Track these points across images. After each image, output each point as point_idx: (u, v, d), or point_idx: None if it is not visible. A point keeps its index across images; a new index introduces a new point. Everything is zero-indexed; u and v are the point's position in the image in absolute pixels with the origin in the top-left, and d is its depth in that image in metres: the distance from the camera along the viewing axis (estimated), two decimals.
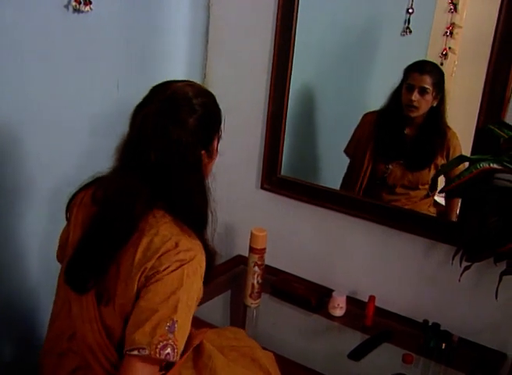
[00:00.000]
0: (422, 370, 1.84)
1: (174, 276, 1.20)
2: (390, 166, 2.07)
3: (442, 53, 1.94)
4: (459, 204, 1.89)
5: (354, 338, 1.91)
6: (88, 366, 1.27)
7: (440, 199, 2.03)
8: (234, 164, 2.32)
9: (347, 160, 2.19)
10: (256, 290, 1.98)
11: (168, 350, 1.17)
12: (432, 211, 2.05)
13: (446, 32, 1.92)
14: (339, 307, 1.98)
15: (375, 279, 2.06)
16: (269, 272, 2.16)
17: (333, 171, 2.30)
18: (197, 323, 1.82)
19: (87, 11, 1.77)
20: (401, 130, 2.05)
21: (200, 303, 2.06)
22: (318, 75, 2.27)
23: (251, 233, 1.95)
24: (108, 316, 1.26)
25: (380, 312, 1.99)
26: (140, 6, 1.99)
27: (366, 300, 1.97)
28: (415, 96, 1.95)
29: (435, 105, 1.96)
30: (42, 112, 1.76)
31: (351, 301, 2.04)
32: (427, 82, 1.94)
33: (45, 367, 1.38)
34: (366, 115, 2.12)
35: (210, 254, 1.33)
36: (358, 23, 2.17)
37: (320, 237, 2.17)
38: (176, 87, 1.29)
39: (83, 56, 1.84)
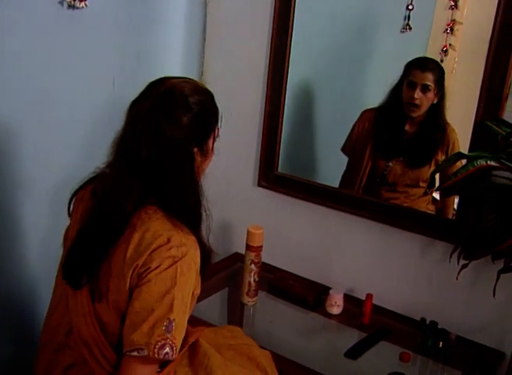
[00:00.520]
0: (420, 369, 1.83)
1: (167, 275, 1.19)
2: (390, 164, 2.05)
3: (442, 50, 1.93)
4: (455, 201, 1.88)
5: (352, 336, 1.91)
6: (84, 362, 1.27)
7: (439, 196, 2.03)
8: (231, 161, 2.31)
9: (345, 157, 2.17)
10: (253, 288, 1.98)
11: (167, 349, 1.17)
12: (431, 208, 2.04)
13: (447, 29, 1.91)
14: (336, 305, 1.97)
15: (373, 277, 2.05)
16: (266, 269, 2.16)
17: (332, 168, 2.29)
18: (194, 320, 1.82)
19: (82, 7, 1.75)
20: (401, 127, 2.04)
21: (197, 301, 2.09)
22: (316, 72, 2.26)
23: (248, 231, 1.94)
24: (103, 312, 1.26)
25: (378, 310, 1.98)
26: (137, 3, 1.98)
27: (363, 298, 1.96)
28: (417, 94, 1.93)
29: (435, 102, 1.94)
30: (37, 109, 1.75)
31: (349, 299, 2.03)
32: (429, 79, 1.92)
33: (40, 361, 1.38)
34: (364, 112, 2.10)
35: (205, 252, 1.32)
36: (357, 20, 2.17)
37: (317, 234, 2.16)
38: (173, 83, 1.28)
39: (78, 53, 1.82)
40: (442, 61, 1.95)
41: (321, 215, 2.13)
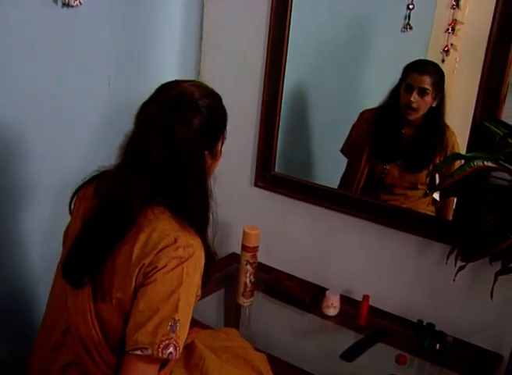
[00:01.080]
0: (416, 371, 1.81)
1: (174, 275, 1.20)
2: (387, 167, 2.04)
3: (443, 50, 1.91)
4: (454, 202, 1.86)
5: (348, 338, 1.89)
6: (81, 362, 1.27)
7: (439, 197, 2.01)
8: (228, 161, 2.28)
9: (344, 158, 2.16)
10: (248, 288, 1.96)
11: (171, 349, 1.17)
12: (431, 209, 2.03)
13: (448, 28, 1.89)
14: (332, 306, 1.96)
15: (370, 278, 2.03)
16: (263, 270, 2.14)
17: (330, 169, 2.28)
18: (191, 321, 1.81)
19: (77, 5, 1.74)
20: (399, 131, 2.02)
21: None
22: (315, 72, 2.24)
23: (243, 232, 1.93)
24: (105, 311, 1.25)
25: (374, 311, 1.97)
26: (132, 1, 1.96)
27: (360, 299, 1.94)
28: (414, 97, 1.91)
29: (434, 105, 1.92)
30: (29, 108, 1.74)
31: (345, 300, 2.02)
32: (427, 82, 1.90)
33: (36, 359, 1.37)
34: (364, 112, 2.08)
35: (210, 255, 1.32)
36: (357, 20, 2.15)
37: (314, 235, 2.15)
38: (183, 86, 1.29)
39: (73, 52, 1.81)
40: (443, 61, 1.92)
41: (318, 215, 2.11)
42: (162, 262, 1.19)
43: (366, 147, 2.08)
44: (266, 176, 2.19)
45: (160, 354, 1.16)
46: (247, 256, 1.93)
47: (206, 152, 1.30)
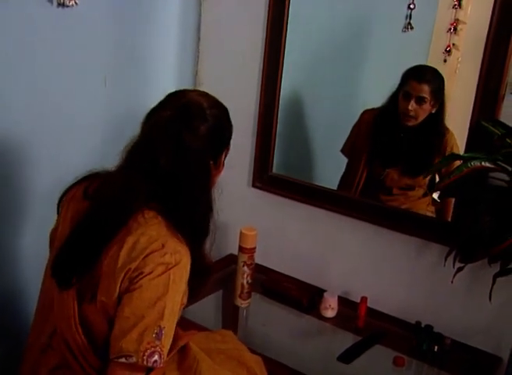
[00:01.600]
0: (414, 373, 1.80)
1: (160, 282, 1.19)
2: (387, 170, 2.03)
3: (445, 50, 1.90)
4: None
5: (346, 340, 1.88)
6: (68, 366, 1.26)
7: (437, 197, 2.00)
8: (227, 162, 2.29)
9: (343, 159, 2.15)
10: (246, 290, 1.95)
11: (156, 357, 1.16)
12: (431, 209, 2.01)
13: (450, 28, 1.88)
14: (330, 308, 1.94)
15: (368, 279, 2.02)
16: (261, 271, 2.14)
17: (330, 170, 2.27)
18: (187, 323, 1.80)
19: (72, 5, 1.73)
20: (397, 136, 2.01)
21: (192, 302, 2.06)
22: (314, 72, 2.23)
23: (241, 233, 1.92)
24: (91, 314, 1.24)
25: (373, 313, 1.96)
26: (129, 1, 1.95)
27: (358, 300, 1.93)
28: (412, 105, 1.89)
29: (433, 111, 1.90)
30: (25, 111, 1.73)
31: (343, 301, 2.01)
32: (425, 91, 1.88)
33: (27, 361, 1.37)
34: (364, 112, 2.07)
35: (203, 267, 1.33)
36: (356, 19, 2.14)
37: (312, 236, 2.14)
38: (192, 96, 1.33)
39: (68, 52, 1.80)
40: (445, 61, 1.91)
41: (316, 216, 2.10)
42: (148, 267, 1.18)
43: (365, 149, 2.07)
44: (264, 177, 2.18)
45: (145, 362, 1.15)
46: (244, 257, 1.92)
47: (211, 162, 1.32)
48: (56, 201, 1.41)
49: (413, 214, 1.95)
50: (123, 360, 1.15)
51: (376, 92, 2.08)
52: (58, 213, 1.41)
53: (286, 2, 2.00)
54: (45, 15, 1.70)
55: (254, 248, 1.93)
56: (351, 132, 2.10)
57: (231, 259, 2.24)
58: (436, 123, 1.92)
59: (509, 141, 1.56)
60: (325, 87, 2.24)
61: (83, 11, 1.78)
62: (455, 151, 1.86)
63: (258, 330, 1.94)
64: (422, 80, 1.89)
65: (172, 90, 2.21)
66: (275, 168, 2.19)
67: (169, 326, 1.20)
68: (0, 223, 1.76)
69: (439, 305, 1.88)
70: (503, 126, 1.59)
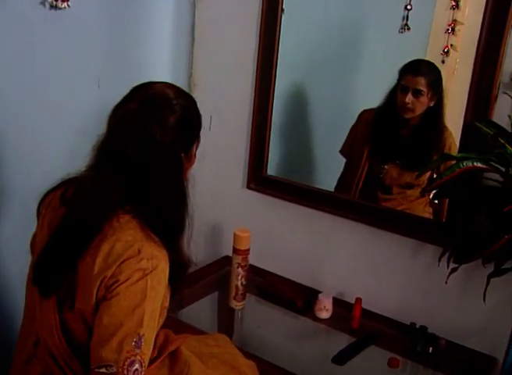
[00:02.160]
0: None
1: (137, 288, 1.16)
2: (386, 166, 2.03)
3: (443, 50, 1.90)
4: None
5: (341, 341, 1.87)
6: (51, 373, 1.24)
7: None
8: (221, 163, 2.29)
9: (341, 160, 2.14)
10: (240, 291, 1.95)
11: (137, 366, 1.13)
12: (428, 210, 2.01)
13: (448, 29, 1.88)
14: (325, 309, 1.94)
15: (363, 280, 2.02)
16: (256, 273, 2.14)
17: (328, 171, 2.27)
18: (182, 325, 1.81)
19: (65, 7, 1.73)
20: (397, 131, 2.01)
21: (186, 304, 2.07)
22: (310, 73, 2.23)
23: (234, 234, 1.92)
24: (71, 322, 1.22)
25: (368, 314, 1.95)
26: (122, 3, 1.95)
27: (353, 302, 1.92)
28: (409, 98, 1.90)
29: (431, 105, 1.91)
30: (18, 111, 1.73)
31: (338, 302, 2.01)
32: (421, 84, 1.89)
33: (14, 371, 1.35)
34: (363, 113, 2.08)
35: (183, 263, 1.30)
36: (353, 20, 2.14)
37: (307, 237, 2.13)
38: (157, 87, 1.28)
39: (61, 54, 1.80)
40: (443, 62, 1.91)
41: (310, 217, 2.10)
42: (125, 274, 1.15)
43: (365, 147, 2.07)
44: (258, 179, 2.18)
45: (125, 371, 1.12)
46: (239, 259, 1.92)
47: (182, 154, 1.29)
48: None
49: (408, 215, 1.94)
50: (104, 370, 1.12)
51: (374, 93, 2.07)
52: (37, 219, 1.38)
53: (280, 4, 1.99)
54: (38, 17, 1.70)
55: (248, 250, 1.93)
56: (350, 132, 2.10)
57: (226, 261, 2.24)
58: (435, 117, 1.92)
59: (502, 140, 1.55)
60: (321, 89, 2.24)
61: (75, 13, 1.77)
62: (453, 149, 1.86)
63: (253, 331, 1.94)
64: (418, 73, 1.90)
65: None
66: (273, 170, 2.18)
67: (149, 332, 1.17)
68: None
69: (433, 306, 1.88)
70: (496, 126, 1.58)
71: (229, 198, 2.29)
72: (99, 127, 1.96)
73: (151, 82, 1.31)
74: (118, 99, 2.01)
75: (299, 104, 2.24)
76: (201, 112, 2.29)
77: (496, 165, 1.55)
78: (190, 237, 1.34)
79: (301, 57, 2.20)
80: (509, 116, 1.59)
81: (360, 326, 1.91)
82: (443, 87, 1.91)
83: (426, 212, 2.00)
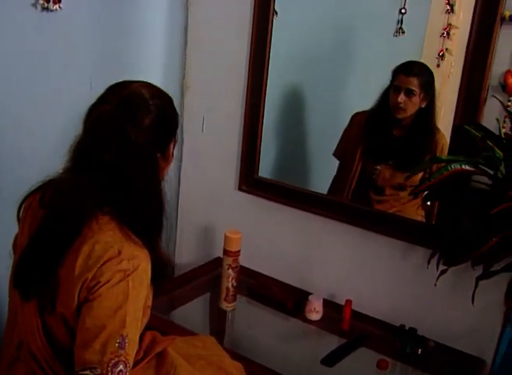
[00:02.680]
0: None
1: (119, 290, 1.16)
2: (379, 167, 2.03)
3: (438, 54, 1.91)
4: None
5: (331, 343, 1.88)
6: None
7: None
8: (214, 165, 2.30)
9: (334, 162, 2.15)
10: (231, 293, 1.95)
11: (121, 367, 1.14)
12: (421, 213, 2.01)
13: (443, 33, 1.89)
14: (315, 311, 1.94)
15: (353, 282, 2.02)
16: (247, 274, 2.15)
17: (321, 174, 2.27)
18: (172, 327, 1.81)
19: (56, 9, 1.74)
20: (389, 131, 2.02)
21: (177, 306, 2.07)
22: (303, 75, 2.23)
23: (225, 236, 1.92)
24: (53, 325, 1.22)
25: (358, 315, 1.96)
26: (114, 5, 1.96)
27: (344, 303, 1.93)
28: (401, 98, 1.92)
29: (423, 106, 1.93)
30: (9, 112, 1.73)
31: (329, 304, 2.01)
32: (413, 84, 1.91)
33: None
34: (355, 115, 2.09)
35: (163, 262, 1.29)
36: (348, 22, 2.14)
37: (298, 239, 2.14)
38: (133, 87, 1.27)
39: (53, 56, 1.80)
40: (438, 66, 1.92)
41: (301, 219, 2.10)
42: (106, 276, 1.15)
43: (358, 148, 2.08)
44: (250, 181, 2.19)
45: (110, 373, 1.12)
46: (229, 260, 1.92)
47: (158, 155, 1.28)
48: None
49: (399, 217, 1.94)
50: (88, 372, 1.12)
51: (367, 96, 2.07)
52: (18, 221, 1.37)
53: (271, 7, 2.00)
54: (29, 19, 1.71)
55: (239, 251, 1.93)
56: (342, 135, 2.11)
57: (218, 262, 2.24)
58: (427, 118, 1.94)
59: (490, 143, 1.56)
60: (314, 92, 2.24)
61: (67, 15, 1.78)
62: (446, 151, 1.86)
63: (243, 333, 1.94)
64: (410, 73, 1.92)
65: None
66: (267, 172, 2.19)
67: (132, 332, 1.17)
68: None
69: (423, 308, 1.89)
70: (484, 129, 1.59)
71: (222, 199, 2.30)
72: None
73: (126, 81, 1.31)
74: None
75: (292, 106, 2.25)
76: (194, 113, 2.33)
77: (484, 168, 1.56)
78: (169, 237, 1.34)
79: (294, 59, 2.20)
80: (497, 119, 1.60)
81: (350, 327, 1.91)
82: (436, 88, 1.92)
83: (418, 215, 2.00)
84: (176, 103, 2.26)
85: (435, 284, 1.68)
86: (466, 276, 1.70)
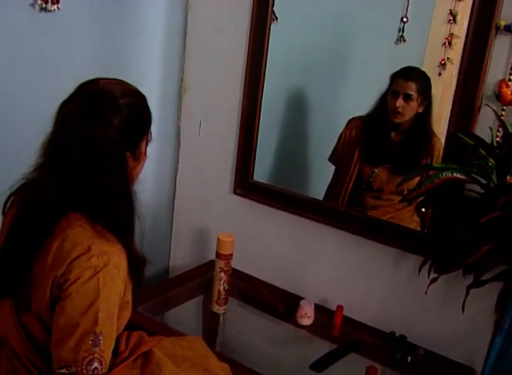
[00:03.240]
0: None
1: (90, 287, 1.15)
2: (376, 170, 2.04)
3: (440, 63, 1.91)
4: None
5: (321, 348, 1.88)
6: (17, 373, 1.24)
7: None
8: (210, 168, 2.30)
9: (331, 167, 2.15)
10: (222, 296, 1.95)
11: (95, 364, 1.14)
12: (416, 220, 2.01)
13: (445, 42, 1.89)
14: (306, 316, 1.94)
15: (345, 288, 2.02)
16: (240, 278, 2.15)
17: (318, 179, 2.28)
18: (162, 328, 1.81)
19: (54, 10, 1.75)
20: (387, 135, 2.03)
21: (169, 308, 2.08)
22: (301, 80, 2.24)
23: (218, 239, 1.93)
24: (29, 323, 1.22)
25: (349, 321, 1.96)
26: (113, 6, 1.96)
27: (335, 309, 1.93)
28: (399, 102, 1.93)
29: (420, 111, 1.94)
30: (6, 113, 1.74)
31: (321, 309, 2.01)
32: (412, 88, 1.92)
33: None
34: (351, 120, 2.10)
35: (138, 260, 1.29)
36: (348, 29, 2.15)
37: (291, 243, 2.14)
38: (103, 84, 1.26)
39: (51, 56, 1.81)
40: (440, 74, 1.92)
41: (295, 224, 2.11)
42: (75, 273, 1.15)
43: (355, 151, 2.08)
44: (245, 184, 2.19)
45: (84, 371, 1.12)
46: (221, 263, 1.92)
47: (128, 153, 1.26)
48: None
49: (392, 224, 1.94)
50: (64, 370, 1.13)
51: (367, 102, 2.08)
52: (3, 220, 1.36)
53: (269, 11, 2.01)
54: (28, 20, 1.71)
55: (231, 255, 1.93)
56: (338, 140, 2.12)
57: (212, 265, 2.23)
58: (424, 123, 1.95)
59: (483, 152, 1.56)
60: (312, 97, 2.24)
61: (65, 16, 1.79)
62: (441, 158, 1.88)
63: (234, 336, 1.94)
64: (409, 78, 1.94)
65: (157, 96, 2.24)
66: (263, 176, 2.19)
67: (107, 329, 1.17)
68: None
69: (414, 316, 1.88)
70: (477, 138, 1.59)
71: (217, 202, 2.30)
72: None
73: (97, 78, 1.29)
74: None
75: (288, 111, 2.25)
76: (191, 116, 2.34)
77: (476, 176, 1.56)
78: (143, 235, 1.33)
79: (292, 65, 2.21)
80: (490, 128, 1.60)
81: (341, 333, 1.91)
82: (432, 94, 1.93)
83: (413, 222, 1.99)
84: (174, 106, 2.32)
85: (426, 292, 1.68)
86: (457, 284, 1.70)
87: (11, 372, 1.26)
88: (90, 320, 1.14)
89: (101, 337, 1.15)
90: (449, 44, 1.89)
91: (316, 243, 2.08)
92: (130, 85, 1.31)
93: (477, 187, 1.60)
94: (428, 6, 1.95)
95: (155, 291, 2.08)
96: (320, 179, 2.22)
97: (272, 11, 2.02)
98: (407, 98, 1.93)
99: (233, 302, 2.05)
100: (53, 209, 1.20)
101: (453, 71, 1.90)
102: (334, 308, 1.95)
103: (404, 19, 1.97)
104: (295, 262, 2.13)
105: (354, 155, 2.08)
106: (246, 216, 2.23)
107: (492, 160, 1.54)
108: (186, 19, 2.25)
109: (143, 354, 1.39)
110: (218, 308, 1.97)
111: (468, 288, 1.59)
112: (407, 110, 1.94)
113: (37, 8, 1.72)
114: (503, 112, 1.63)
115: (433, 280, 1.65)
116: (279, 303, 2.00)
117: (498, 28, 1.61)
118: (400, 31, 1.98)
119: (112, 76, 1.99)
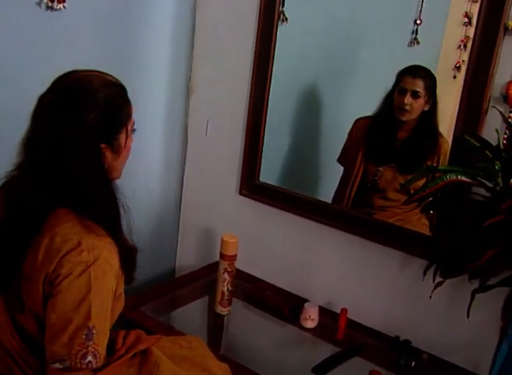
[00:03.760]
0: None
1: (81, 282, 1.15)
2: (381, 169, 2.03)
3: (455, 66, 1.89)
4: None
5: (325, 351, 1.86)
6: (11, 372, 1.24)
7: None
8: (216, 168, 2.30)
9: (339, 168, 2.14)
10: (226, 297, 1.94)
11: (89, 358, 1.14)
12: (425, 222, 1.98)
13: (460, 45, 1.87)
14: (310, 319, 1.92)
15: (350, 291, 2.00)
16: (244, 279, 2.14)
17: (326, 180, 2.26)
18: (164, 327, 1.81)
19: (60, 9, 1.75)
20: (393, 134, 2.03)
21: (174, 308, 2.07)
22: (310, 82, 2.22)
23: (222, 240, 1.92)
24: (23, 322, 1.23)
25: (353, 325, 1.94)
26: (120, 5, 1.97)
27: (339, 312, 1.91)
28: (407, 99, 1.93)
29: (426, 109, 1.94)
30: (10, 113, 1.73)
31: (325, 312, 2.00)
32: (419, 86, 1.92)
33: None
34: (358, 120, 2.09)
35: (128, 251, 1.28)
36: (361, 31, 2.14)
37: (296, 245, 2.13)
38: (80, 76, 1.24)
39: (58, 55, 1.81)
40: (454, 77, 1.91)
41: (300, 226, 2.09)
42: (66, 268, 1.15)
43: (361, 150, 2.08)
44: (250, 185, 2.18)
45: (78, 364, 1.13)
46: (225, 264, 1.92)
47: (104, 145, 1.24)
48: None
49: (398, 227, 1.92)
50: (58, 365, 1.13)
51: (377, 104, 2.06)
52: None
53: (277, 11, 2.00)
54: (34, 18, 1.72)
55: (235, 256, 1.92)
56: (346, 141, 2.11)
57: (217, 266, 2.23)
58: (429, 121, 1.95)
59: (489, 154, 1.54)
60: (320, 98, 2.23)
61: (71, 15, 1.79)
62: (448, 158, 1.86)
63: (237, 337, 1.93)
64: (416, 75, 1.94)
65: (165, 96, 2.24)
66: (270, 177, 2.18)
67: (101, 323, 1.17)
68: None
69: (418, 320, 1.86)
70: (483, 141, 1.57)
71: (223, 202, 2.30)
72: None
73: (76, 70, 1.27)
74: None
75: (296, 112, 2.24)
76: (199, 116, 2.33)
77: (481, 179, 1.53)
78: (131, 226, 1.32)
79: (300, 65, 2.19)
80: (496, 130, 1.57)
81: (344, 337, 1.89)
82: (437, 94, 1.92)
83: (422, 224, 1.97)
84: (181, 106, 2.31)
85: (430, 296, 1.66)
86: (463, 289, 1.67)
87: (6, 372, 1.26)
88: (82, 315, 1.14)
89: (94, 331, 1.15)
90: (465, 46, 1.87)
91: (321, 245, 2.06)
92: (110, 76, 1.29)
93: (483, 191, 1.58)
94: (443, 8, 1.93)
95: (160, 291, 2.09)
96: (330, 181, 2.20)
97: (281, 11, 2.02)
98: (415, 95, 1.93)
99: (237, 303, 2.04)
100: (38, 206, 1.20)
101: None
102: (338, 311, 1.93)
103: (418, 21, 1.96)
104: (299, 263, 2.12)
105: (360, 153, 2.07)
106: (251, 216, 2.22)
107: (498, 163, 1.52)
108: (194, 19, 2.25)
109: (141, 352, 1.38)
110: (221, 310, 1.96)
111: (474, 293, 1.57)
112: (415, 107, 1.94)
113: (43, 6, 1.73)
114: (511, 114, 1.61)
115: (438, 285, 1.63)
116: (283, 305, 1.99)
117: (506, 29, 1.58)
118: (413, 33, 1.97)
119: (117, 75, 2.00)
